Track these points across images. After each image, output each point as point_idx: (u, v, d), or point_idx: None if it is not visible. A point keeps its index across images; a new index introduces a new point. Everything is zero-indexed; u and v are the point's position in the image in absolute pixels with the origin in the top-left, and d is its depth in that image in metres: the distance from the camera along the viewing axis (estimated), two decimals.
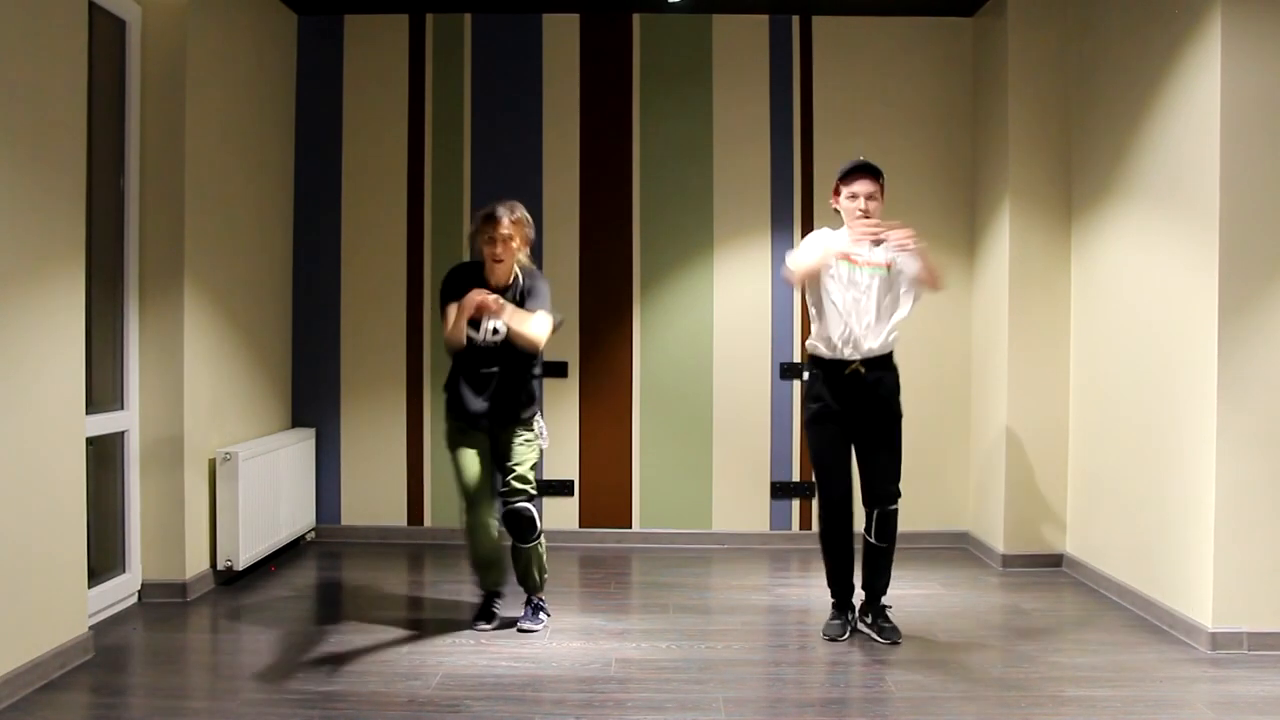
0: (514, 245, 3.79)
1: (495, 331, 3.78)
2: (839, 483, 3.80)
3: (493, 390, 3.82)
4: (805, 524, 5.39)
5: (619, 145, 5.46)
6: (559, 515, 5.45)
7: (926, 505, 5.40)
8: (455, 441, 3.89)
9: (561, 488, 5.45)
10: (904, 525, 5.39)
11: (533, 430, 3.91)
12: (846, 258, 3.71)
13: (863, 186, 3.71)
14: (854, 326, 3.70)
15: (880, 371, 3.76)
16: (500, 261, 3.79)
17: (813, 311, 3.85)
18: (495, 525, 3.88)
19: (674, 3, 5.30)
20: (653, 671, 3.47)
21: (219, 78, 4.54)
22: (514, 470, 3.83)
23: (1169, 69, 3.98)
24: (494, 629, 3.90)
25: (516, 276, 3.86)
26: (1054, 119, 4.93)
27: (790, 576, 4.81)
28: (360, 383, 5.44)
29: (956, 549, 5.37)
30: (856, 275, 3.72)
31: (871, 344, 3.71)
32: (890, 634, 3.77)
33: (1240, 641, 3.65)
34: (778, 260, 5.38)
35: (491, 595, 4.02)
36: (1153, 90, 4.11)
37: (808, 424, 3.86)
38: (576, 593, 4.57)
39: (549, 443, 4.05)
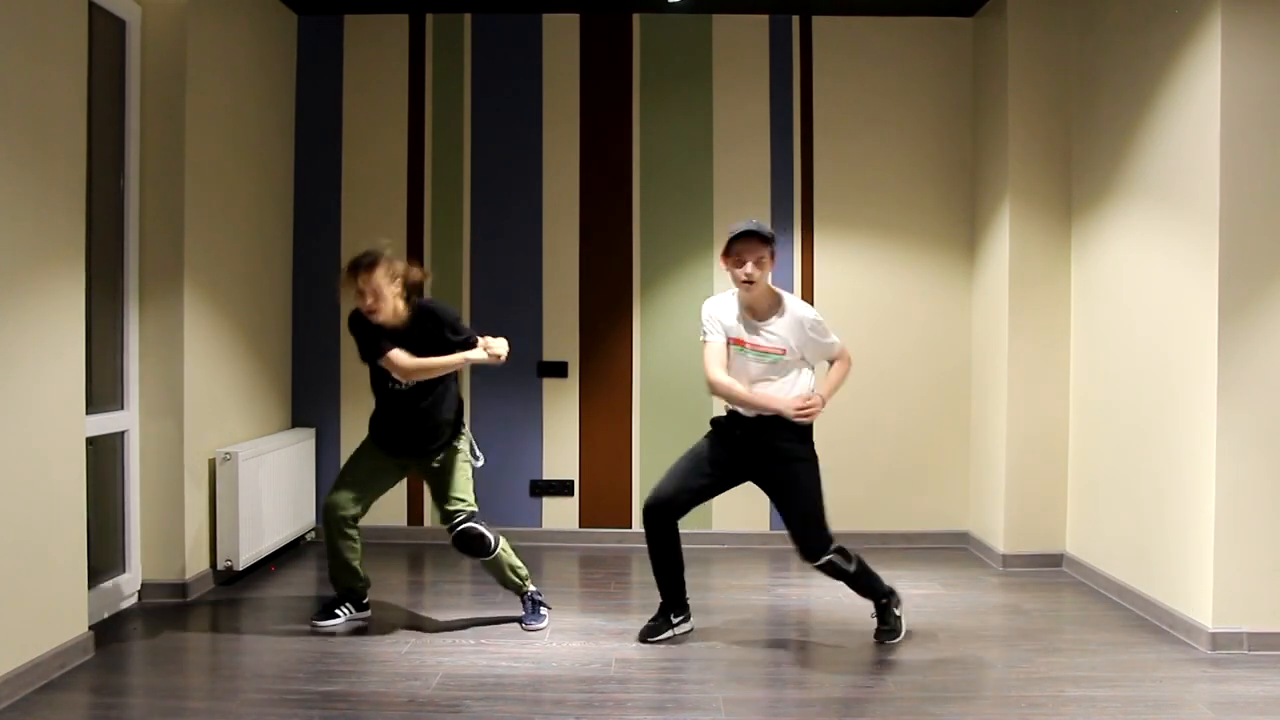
0: (384, 293, 3.65)
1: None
2: (666, 489, 3.73)
3: (412, 429, 3.86)
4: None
5: (619, 145, 5.46)
6: (559, 515, 5.46)
7: (926, 505, 5.40)
8: (366, 450, 3.97)
9: (561, 488, 5.45)
10: (904, 525, 5.45)
11: (458, 451, 3.93)
12: (739, 342, 3.65)
13: (750, 253, 3.56)
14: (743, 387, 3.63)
15: (780, 425, 3.63)
16: (375, 313, 3.68)
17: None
18: (347, 530, 3.87)
19: (674, 3, 5.30)
20: (653, 671, 3.47)
21: (219, 78, 4.54)
22: (448, 495, 3.86)
23: (1169, 69, 3.98)
24: (330, 627, 3.88)
25: (411, 316, 3.74)
26: (1054, 119, 4.93)
27: (790, 576, 4.81)
28: (360, 383, 5.37)
29: (956, 549, 5.37)
30: (747, 357, 3.65)
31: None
32: (882, 634, 3.77)
33: (1240, 641, 3.65)
34: (777, 259, 5.37)
35: (342, 596, 3.98)
36: (1153, 90, 4.11)
37: (703, 439, 3.81)
38: (576, 593, 4.57)
39: (482, 459, 4.03)
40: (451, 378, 3.92)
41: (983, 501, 5.25)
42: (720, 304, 3.74)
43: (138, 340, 4.20)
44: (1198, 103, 3.77)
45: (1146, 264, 4.19)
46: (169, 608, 4.15)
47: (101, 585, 3.94)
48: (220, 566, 4.45)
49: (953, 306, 5.42)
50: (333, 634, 3.84)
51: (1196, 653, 3.67)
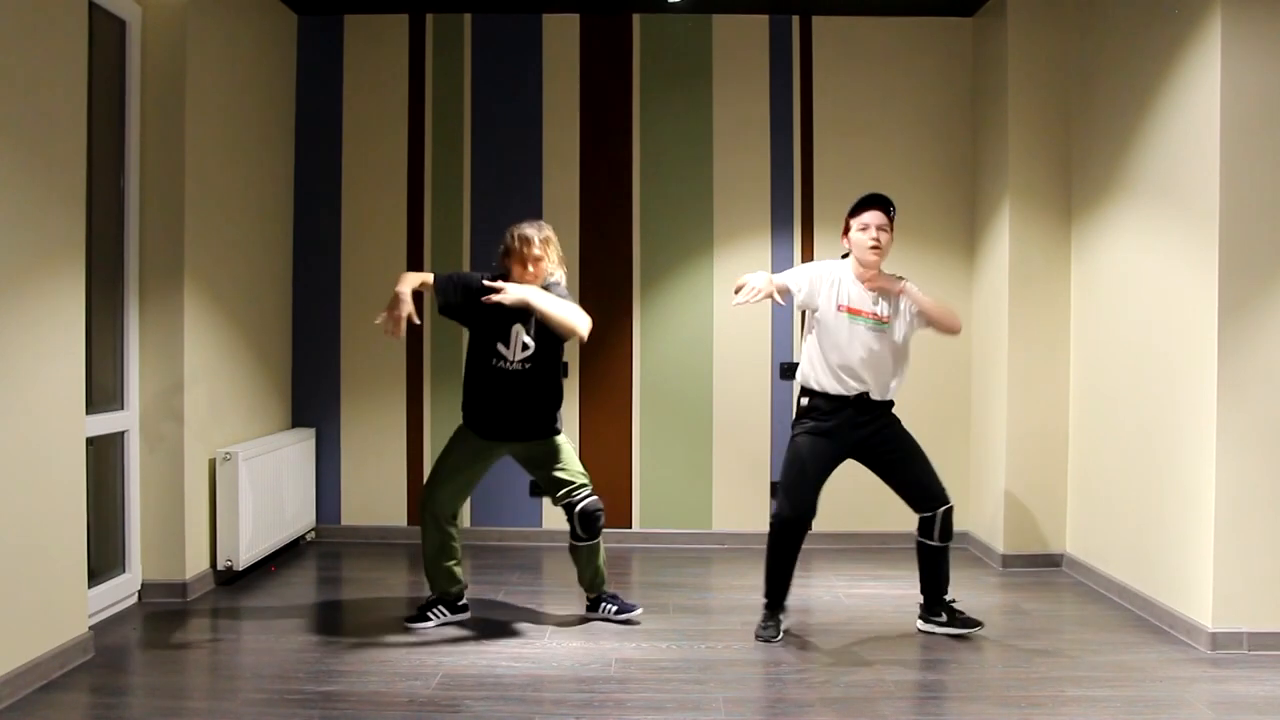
0: (544, 266, 3.78)
1: (525, 348, 3.76)
2: (806, 501, 3.76)
3: (519, 413, 3.82)
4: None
5: (619, 145, 5.46)
6: (559, 516, 5.42)
7: None
8: (461, 437, 3.91)
9: None
10: (904, 525, 5.43)
11: (560, 435, 3.93)
12: (854, 311, 3.73)
13: (873, 217, 3.71)
14: (859, 372, 3.74)
15: (883, 414, 3.82)
16: (529, 282, 3.75)
17: (810, 337, 3.84)
18: (447, 528, 3.87)
19: (674, 3, 5.30)
20: (653, 671, 3.47)
21: (219, 78, 4.54)
22: (565, 473, 3.86)
23: (1169, 69, 3.98)
24: (428, 628, 3.89)
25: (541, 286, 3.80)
26: (1054, 119, 4.93)
27: None
28: (360, 383, 5.44)
29: (956, 549, 5.34)
30: (858, 326, 3.73)
31: (875, 394, 3.76)
32: (969, 621, 3.84)
33: (1240, 641, 3.65)
34: (778, 260, 5.38)
35: (439, 598, 3.96)
36: (1153, 90, 4.11)
37: (796, 435, 3.82)
38: (576, 592, 4.57)
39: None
40: (557, 360, 3.86)
41: (983, 501, 5.25)
42: (827, 267, 3.81)
43: (138, 340, 4.20)
44: (1198, 103, 3.77)
45: (1146, 264, 4.18)
46: (169, 608, 4.15)
47: (101, 585, 3.94)
48: (220, 566, 4.45)
49: (953, 306, 5.41)
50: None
51: (1196, 653, 3.67)
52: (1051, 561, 4.94)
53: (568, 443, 3.95)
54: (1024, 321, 4.93)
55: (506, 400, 3.80)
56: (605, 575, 4.03)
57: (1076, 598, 4.46)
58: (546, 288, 3.79)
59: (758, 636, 3.80)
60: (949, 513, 3.79)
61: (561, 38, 5.46)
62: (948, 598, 3.88)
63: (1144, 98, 4.18)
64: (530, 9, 5.41)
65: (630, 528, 5.44)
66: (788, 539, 3.80)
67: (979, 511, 5.30)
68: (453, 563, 3.91)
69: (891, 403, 3.85)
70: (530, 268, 3.75)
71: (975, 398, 5.38)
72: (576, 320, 3.68)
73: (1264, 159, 3.63)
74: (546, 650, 3.68)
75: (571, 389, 5.43)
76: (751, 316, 5.39)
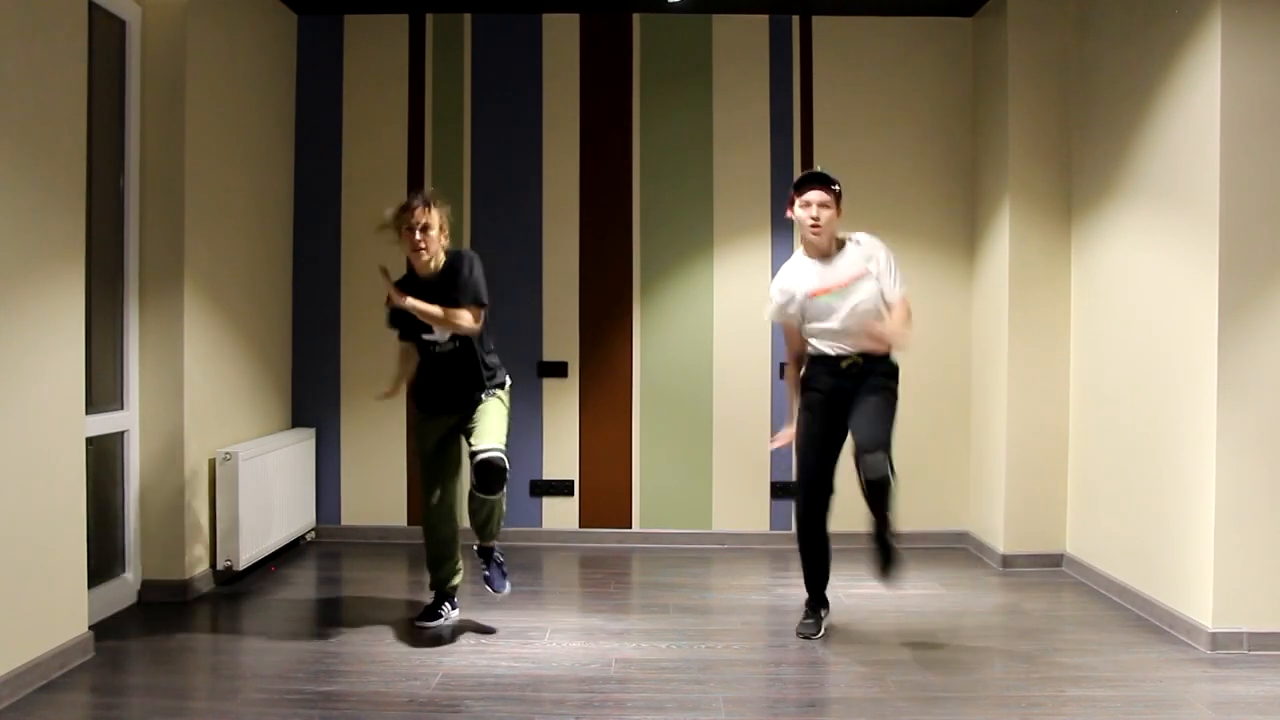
0: (433, 234, 3.72)
1: (452, 339, 3.82)
2: (819, 481, 3.77)
3: (457, 386, 3.87)
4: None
5: (619, 145, 5.46)
6: (559, 515, 5.46)
7: (926, 505, 5.40)
8: (421, 432, 3.97)
9: (561, 488, 5.45)
10: (904, 525, 5.41)
11: (497, 398, 3.91)
12: (821, 292, 3.72)
13: (815, 195, 3.69)
14: (843, 337, 3.72)
15: (876, 364, 3.71)
16: (420, 251, 3.72)
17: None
18: (455, 512, 3.96)
19: (674, 3, 5.30)
20: (653, 671, 3.47)
21: (219, 78, 4.54)
22: (485, 431, 3.80)
23: (1169, 69, 3.98)
24: (434, 627, 3.91)
25: (446, 265, 3.80)
26: (1054, 119, 4.93)
27: (790, 576, 4.80)
28: (360, 383, 5.43)
29: (956, 549, 5.37)
30: (832, 301, 3.71)
31: (866, 346, 3.68)
32: (884, 561, 3.69)
33: (1240, 641, 3.65)
34: (778, 260, 5.38)
35: (441, 596, 4.02)
36: (1153, 90, 4.11)
37: (800, 410, 3.84)
38: (576, 593, 4.57)
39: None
40: (488, 333, 3.91)
41: (983, 501, 5.25)
42: (786, 273, 3.82)
43: (138, 340, 4.20)
44: (1198, 103, 3.77)
45: (1146, 264, 4.18)
46: (169, 608, 4.15)
47: (101, 585, 3.94)
48: (220, 566, 4.45)
49: (953, 306, 5.42)
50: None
51: (1196, 653, 3.67)
52: (1051, 561, 4.94)
53: (502, 411, 3.91)
54: (1024, 321, 4.93)
55: (446, 376, 3.87)
56: (496, 532, 3.96)
57: (1076, 597, 4.46)
58: (455, 266, 3.77)
59: (798, 633, 3.86)
60: (877, 460, 3.55)
61: (561, 38, 5.46)
62: (890, 536, 3.73)
63: (1144, 98, 4.18)
64: (530, 9, 5.41)
65: (630, 528, 5.44)
66: (805, 534, 3.85)
67: (979, 511, 5.30)
68: (457, 558, 4.01)
69: (886, 358, 3.70)
70: (416, 236, 3.70)
71: (975, 397, 5.38)
72: (457, 321, 3.71)
73: (1264, 159, 3.63)
74: (546, 650, 3.68)
75: (571, 389, 5.43)
76: (751, 316, 5.38)
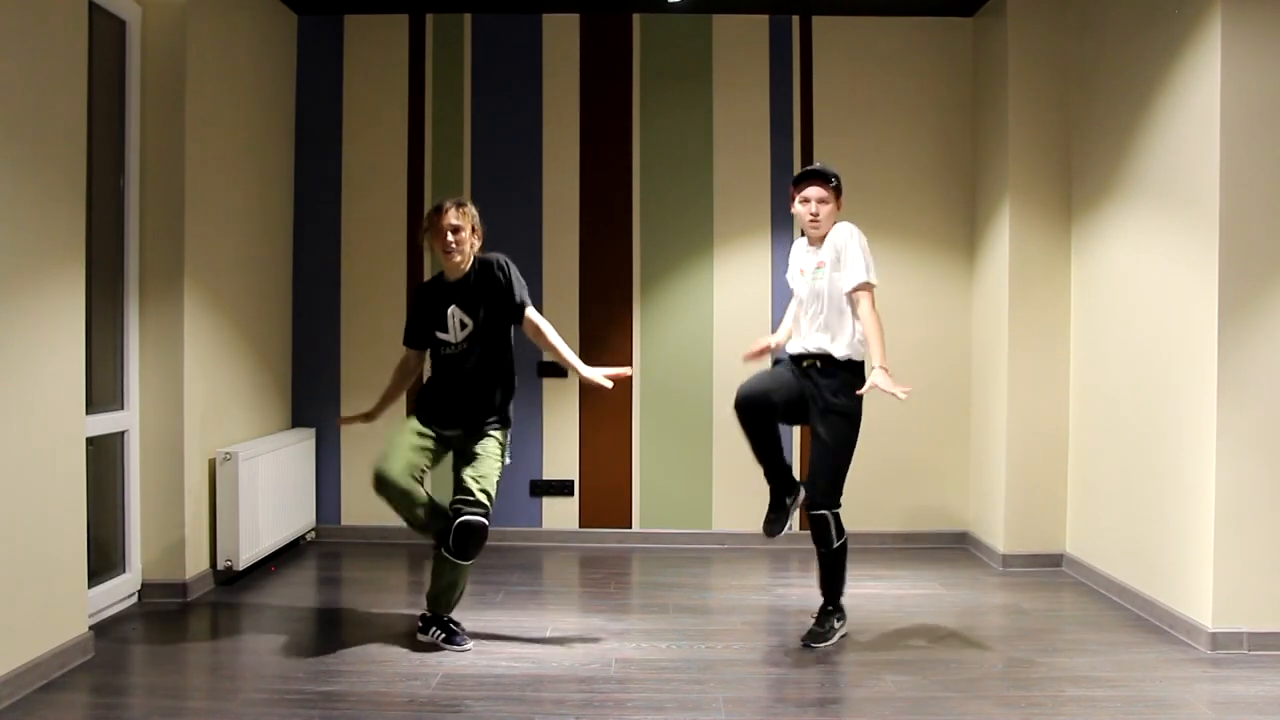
0: (464, 235, 3.69)
1: (464, 326, 3.69)
2: (761, 387, 3.79)
3: (467, 397, 3.69)
4: (805, 524, 5.38)
5: (619, 145, 5.46)
6: (559, 515, 5.45)
7: (926, 505, 5.40)
8: (402, 429, 3.71)
9: (561, 488, 5.45)
10: (904, 525, 5.45)
11: (498, 441, 3.71)
12: (800, 274, 3.86)
13: (813, 191, 3.75)
14: (805, 326, 3.80)
15: (835, 370, 3.72)
16: (451, 253, 3.68)
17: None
18: (405, 483, 3.58)
19: (674, 3, 5.30)
20: (653, 671, 3.47)
21: (219, 78, 4.54)
22: (474, 477, 3.58)
23: (1169, 69, 3.98)
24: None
25: (473, 267, 3.75)
26: (1054, 119, 4.93)
27: (790, 576, 4.81)
28: (360, 383, 5.43)
29: (956, 549, 5.37)
30: (808, 281, 3.82)
31: (822, 344, 3.72)
32: (813, 637, 3.74)
33: (1240, 641, 3.65)
34: (778, 259, 5.38)
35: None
36: (1153, 90, 4.11)
37: (774, 361, 3.97)
38: (576, 593, 4.57)
39: (510, 460, 3.81)
40: (508, 350, 3.78)
41: (983, 501, 5.25)
42: (793, 248, 4.02)
43: (138, 340, 4.20)
44: (1198, 103, 3.77)
45: (1146, 264, 4.18)
46: (169, 608, 4.15)
47: (101, 585, 3.94)
48: (220, 566, 4.45)
49: (953, 306, 5.42)
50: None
51: (1196, 653, 3.67)
52: (1051, 561, 4.94)
53: (499, 456, 3.69)
54: (1024, 321, 4.93)
55: (455, 383, 3.70)
56: (454, 603, 3.70)
57: (1076, 597, 4.46)
58: (489, 265, 3.74)
59: (764, 531, 3.88)
60: (820, 519, 3.70)
61: (561, 38, 5.46)
62: (830, 608, 3.82)
63: (1144, 98, 4.18)
64: (530, 9, 5.41)
65: (630, 528, 5.44)
66: (743, 420, 3.83)
67: (979, 511, 5.30)
68: (424, 506, 3.65)
69: (846, 363, 3.69)
70: (448, 237, 3.67)
71: (975, 398, 5.38)
72: (546, 336, 3.79)
73: (1264, 159, 3.63)
74: (546, 650, 3.68)
75: (571, 389, 5.43)
76: (751, 316, 5.38)
